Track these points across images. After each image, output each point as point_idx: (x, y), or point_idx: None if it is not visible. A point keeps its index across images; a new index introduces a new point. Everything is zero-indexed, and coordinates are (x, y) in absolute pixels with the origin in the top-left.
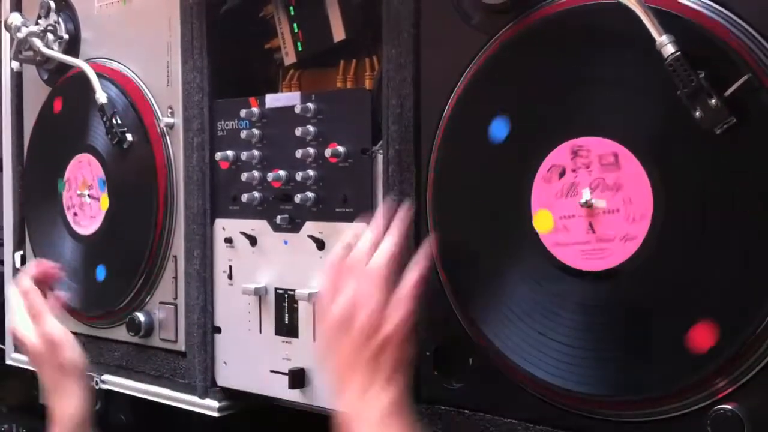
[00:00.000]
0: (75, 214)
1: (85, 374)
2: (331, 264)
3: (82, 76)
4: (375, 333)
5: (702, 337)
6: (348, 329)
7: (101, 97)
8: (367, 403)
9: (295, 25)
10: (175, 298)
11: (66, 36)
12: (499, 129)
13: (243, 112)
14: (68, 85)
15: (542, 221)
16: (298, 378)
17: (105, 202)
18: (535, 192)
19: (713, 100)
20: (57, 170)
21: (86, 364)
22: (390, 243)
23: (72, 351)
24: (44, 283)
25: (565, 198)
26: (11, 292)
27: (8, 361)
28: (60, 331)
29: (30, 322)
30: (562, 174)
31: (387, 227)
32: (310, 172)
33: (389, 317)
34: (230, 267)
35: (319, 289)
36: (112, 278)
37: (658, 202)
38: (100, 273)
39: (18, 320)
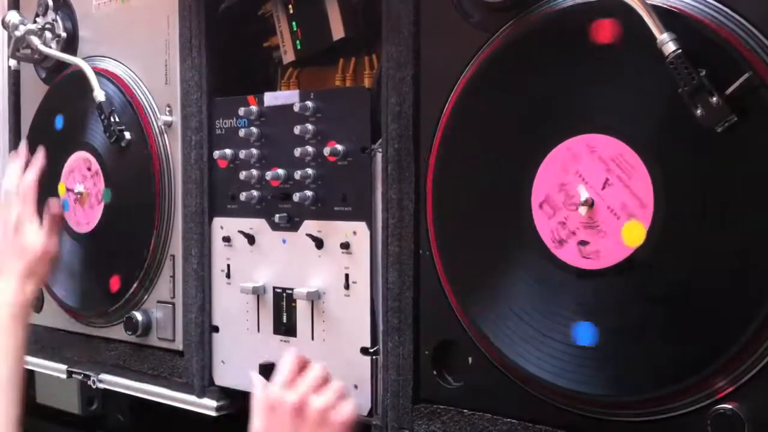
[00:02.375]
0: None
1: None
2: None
3: (80, 75)
4: None
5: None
6: None
7: (99, 95)
8: None
9: (294, 23)
10: (173, 297)
11: (64, 34)
12: (583, 334)
13: (241, 111)
14: (66, 85)
15: (633, 233)
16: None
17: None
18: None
19: (714, 98)
20: (55, 168)
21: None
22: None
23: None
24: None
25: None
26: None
27: None
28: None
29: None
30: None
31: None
32: (309, 171)
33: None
34: (228, 266)
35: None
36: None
37: (658, 201)
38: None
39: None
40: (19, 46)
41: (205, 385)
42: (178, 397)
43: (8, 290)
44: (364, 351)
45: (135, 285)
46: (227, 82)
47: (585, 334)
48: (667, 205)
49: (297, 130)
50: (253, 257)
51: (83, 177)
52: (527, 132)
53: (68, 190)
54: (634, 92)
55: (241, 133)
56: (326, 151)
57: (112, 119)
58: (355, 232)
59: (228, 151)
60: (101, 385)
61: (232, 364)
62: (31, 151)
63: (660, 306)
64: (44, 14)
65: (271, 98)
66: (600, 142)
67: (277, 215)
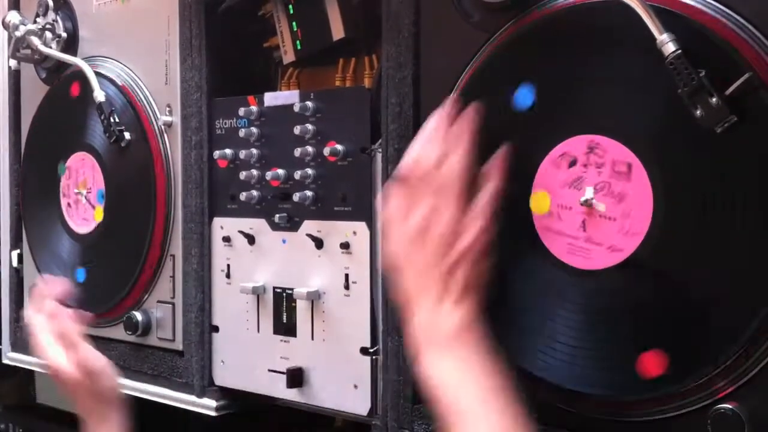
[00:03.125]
0: (68, 205)
1: (122, 401)
2: (401, 177)
3: (80, 75)
4: (450, 247)
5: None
6: (423, 244)
7: (99, 95)
8: (441, 317)
9: (294, 23)
10: (173, 297)
11: (64, 34)
12: (524, 97)
13: (241, 111)
14: (66, 84)
15: (539, 202)
16: (296, 377)
17: (99, 215)
18: (540, 173)
19: (714, 99)
20: (55, 169)
21: (121, 391)
22: (461, 153)
23: (109, 378)
24: (62, 302)
25: (569, 189)
26: (35, 319)
27: (5, 360)
28: (97, 358)
29: (61, 349)
30: (572, 164)
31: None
32: (309, 171)
33: (465, 231)
34: (228, 266)
35: (388, 204)
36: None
37: (658, 201)
38: (80, 275)
39: (49, 349)
40: (19, 47)
41: (205, 385)
42: (178, 397)
43: None
44: (364, 351)
45: (135, 285)
46: (227, 83)
47: (525, 96)
48: (667, 205)
49: (297, 130)
50: (253, 257)
51: (81, 174)
52: (527, 132)
53: (67, 194)
54: (634, 93)
55: (241, 133)
56: (326, 151)
57: (112, 119)
58: (355, 232)
59: (228, 151)
60: None
61: (232, 364)
62: (31, 144)
63: (660, 306)
64: (44, 14)
65: (271, 98)
66: (616, 148)
67: (277, 215)
